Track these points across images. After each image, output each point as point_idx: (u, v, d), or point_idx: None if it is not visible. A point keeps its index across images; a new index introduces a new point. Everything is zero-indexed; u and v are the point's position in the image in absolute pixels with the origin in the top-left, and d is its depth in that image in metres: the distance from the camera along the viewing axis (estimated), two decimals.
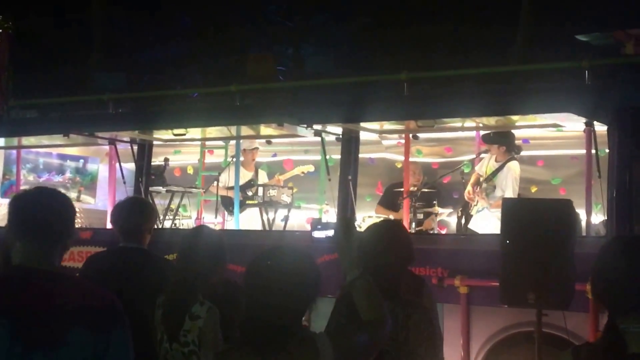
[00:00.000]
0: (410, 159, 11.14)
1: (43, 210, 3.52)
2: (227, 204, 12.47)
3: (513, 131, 10.84)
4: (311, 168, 12.64)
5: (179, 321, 5.30)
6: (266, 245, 3.95)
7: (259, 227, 11.99)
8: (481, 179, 11.00)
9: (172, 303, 5.41)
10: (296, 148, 13.26)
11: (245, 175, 12.48)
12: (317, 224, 6.56)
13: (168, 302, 5.42)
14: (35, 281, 3.33)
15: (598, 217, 9.80)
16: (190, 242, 5.66)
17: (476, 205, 10.89)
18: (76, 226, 3.70)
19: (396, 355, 5.05)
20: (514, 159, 10.88)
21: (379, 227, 5.74)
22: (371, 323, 3.90)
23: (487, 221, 10.65)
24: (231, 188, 12.23)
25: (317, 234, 6.07)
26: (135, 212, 6.43)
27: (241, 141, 12.16)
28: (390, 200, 11.56)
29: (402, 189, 10.93)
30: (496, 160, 10.94)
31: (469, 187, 11.05)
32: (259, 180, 12.60)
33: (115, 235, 6.50)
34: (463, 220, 11.07)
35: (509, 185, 10.65)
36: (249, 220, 12.15)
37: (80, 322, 3.24)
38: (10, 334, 3.17)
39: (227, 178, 12.48)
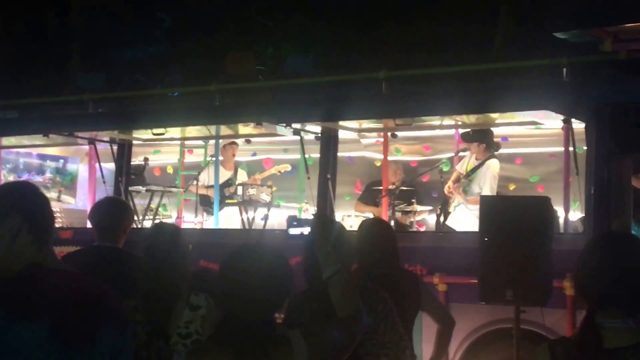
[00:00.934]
0: (390, 158, 11.15)
1: (44, 205, 3.39)
2: (206, 203, 12.46)
3: (492, 129, 10.87)
4: (288, 167, 12.65)
5: (170, 316, 5.25)
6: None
7: (238, 226, 11.98)
8: (461, 177, 11.02)
9: (156, 302, 5.33)
10: (275, 147, 13.26)
11: (225, 175, 12.48)
12: (292, 220, 6.54)
13: (150, 301, 5.32)
14: (62, 280, 3.27)
15: (576, 215, 9.84)
16: (160, 240, 5.57)
17: (453, 202, 10.92)
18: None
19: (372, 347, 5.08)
20: (494, 156, 10.90)
21: (366, 227, 5.79)
22: (346, 319, 3.91)
23: (464, 218, 10.68)
24: (211, 187, 12.24)
25: (293, 231, 6.05)
26: (112, 211, 6.44)
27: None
28: (369, 198, 11.56)
29: (381, 187, 10.95)
30: (476, 159, 10.96)
31: (449, 183, 11.07)
32: (238, 179, 12.60)
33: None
34: (442, 218, 11.10)
35: (486, 183, 10.67)
36: (228, 219, 12.15)
37: (109, 321, 3.22)
38: (49, 332, 3.13)
39: (206, 177, 12.48)
